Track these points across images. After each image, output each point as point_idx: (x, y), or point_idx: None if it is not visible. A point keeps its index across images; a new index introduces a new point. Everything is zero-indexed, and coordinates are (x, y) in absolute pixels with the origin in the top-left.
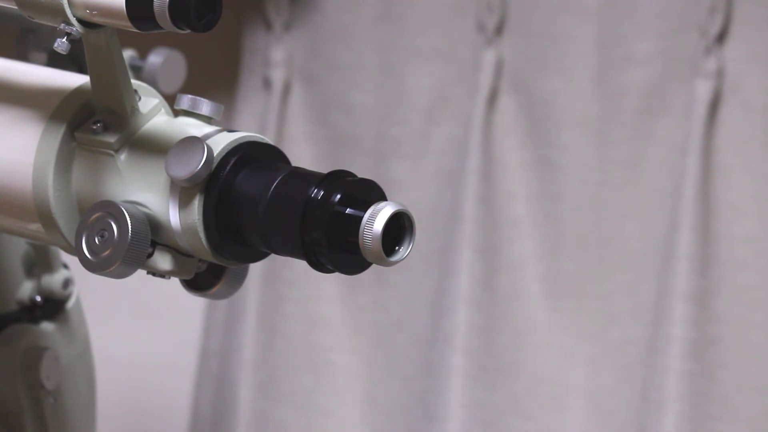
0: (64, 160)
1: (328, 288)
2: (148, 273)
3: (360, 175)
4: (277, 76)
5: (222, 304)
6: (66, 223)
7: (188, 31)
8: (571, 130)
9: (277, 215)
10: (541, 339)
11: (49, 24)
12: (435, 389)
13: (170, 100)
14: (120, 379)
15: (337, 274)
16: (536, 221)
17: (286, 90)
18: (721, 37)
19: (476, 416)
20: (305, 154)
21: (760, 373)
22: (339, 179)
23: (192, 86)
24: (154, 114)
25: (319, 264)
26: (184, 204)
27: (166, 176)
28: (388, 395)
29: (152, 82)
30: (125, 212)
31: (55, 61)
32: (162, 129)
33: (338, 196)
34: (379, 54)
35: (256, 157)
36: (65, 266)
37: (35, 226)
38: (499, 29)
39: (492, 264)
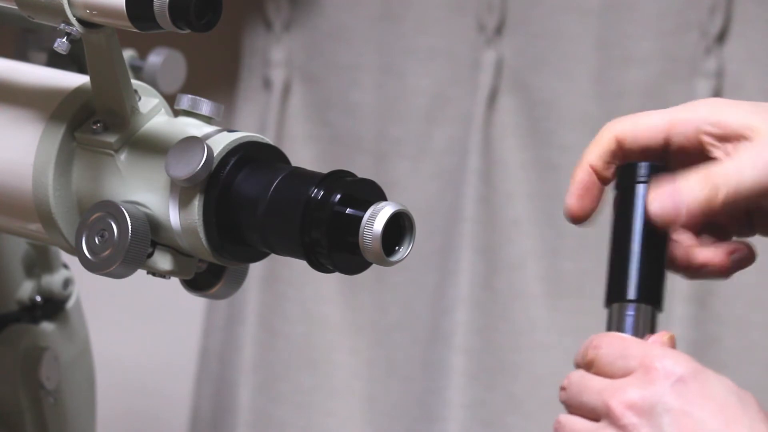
0: (64, 160)
1: (328, 288)
2: (148, 273)
3: (360, 175)
4: (277, 76)
5: (222, 304)
6: (66, 223)
7: (188, 31)
8: (571, 130)
9: (277, 215)
10: (541, 339)
11: (49, 24)
12: (435, 389)
13: (170, 100)
14: (120, 379)
15: (337, 274)
16: (536, 221)
17: (286, 90)
18: (721, 37)
19: (476, 416)
20: (305, 154)
21: (760, 373)
22: (339, 179)
23: (192, 86)
24: (154, 114)
25: (319, 264)
26: (184, 204)
27: (166, 176)
28: (388, 395)
29: (152, 82)
30: (125, 212)
31: (55, 61)
32: (162, 129)
33: (338, 196)
34: (379, 54)
35: (256, 157)
36: (65, 266)
37: (35, 226)
38: (499, 29)
39: (492, 264)
